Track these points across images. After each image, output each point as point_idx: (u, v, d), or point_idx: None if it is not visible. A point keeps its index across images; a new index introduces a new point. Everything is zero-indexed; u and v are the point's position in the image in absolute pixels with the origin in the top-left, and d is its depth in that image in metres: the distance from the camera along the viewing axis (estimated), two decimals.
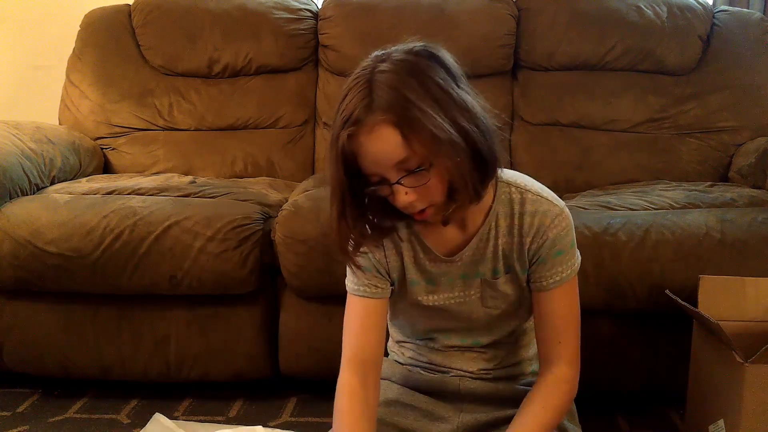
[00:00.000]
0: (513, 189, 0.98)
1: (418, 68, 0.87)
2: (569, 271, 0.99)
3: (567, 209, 1.00)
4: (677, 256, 1.45)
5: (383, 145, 0.85)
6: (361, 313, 1.03)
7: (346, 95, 0.87)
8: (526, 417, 0.96)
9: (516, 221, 0.98)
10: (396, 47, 0.90)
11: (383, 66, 0.87)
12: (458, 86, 0.90)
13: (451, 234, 1.00)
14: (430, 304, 1.04)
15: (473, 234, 0.99)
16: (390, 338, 1.20)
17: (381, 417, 1.02)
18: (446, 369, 1.10)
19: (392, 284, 1.04)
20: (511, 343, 1.10)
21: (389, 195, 0.90)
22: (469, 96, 0.91)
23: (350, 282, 1.04)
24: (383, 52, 0.90)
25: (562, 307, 1.00)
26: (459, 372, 1.09)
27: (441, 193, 0.89)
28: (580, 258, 1.02)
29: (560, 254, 0.98)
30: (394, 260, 1.02)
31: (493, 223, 0.99)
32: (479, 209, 0.98)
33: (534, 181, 1.02)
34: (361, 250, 0.97)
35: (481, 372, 1.09)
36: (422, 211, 0.91)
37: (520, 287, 1.03)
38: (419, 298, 1.04)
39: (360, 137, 0.85)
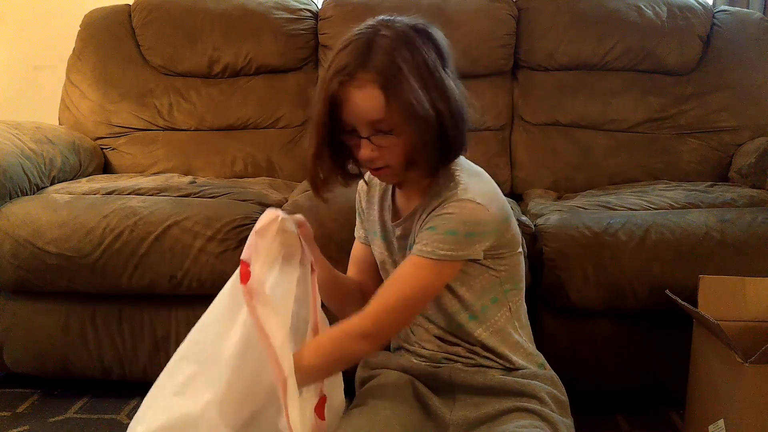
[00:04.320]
0: (457, 177, 1.02)
1: (414, 43, 0.95)
2: (427, 249, 0.98)
3: (474, 206, 0.98)
4: (677, 256, 1.45)
5: (367, 101, 0.94)
6: (354, 253, 1.24)
7: (347, 46, 0.96)
8: (319, 338, 1.04)
9: (433, 202, 1.02)
10: (401, 17, 0.99)
11: (385, 31, 0.96)
12: (444, 70, 0.98)
13: (403, 201, 1.10)
14: (383, 259, 1.15)
15: (416, 205, 1.07)
16: None
17: (379, 410, 1.03)
18: (429, 351, 1.12)
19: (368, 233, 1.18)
20: (470, 332, 1.09)
21: (355, 146, 0.98)
22: (452, 82, 0.98)
23: (356, 227, 1.23)
24: (388, 18, 0.99)
25: (402, 273, 1.02)
26: (443, 354, 1.11)
27: (400, 159, 0.98)
28: (451, 255, 0.98)
29: (430, 230, 1.00)
30: (369, 211, 1.16)
31: (426, 202, 1.04)
32: (425, 186, 1.04)
33: (481, 180, 1.05)
34: (330, 186, 1.06)
35: (462, 358, 1.10)
36: (379, 168, 1.00)
37: None
38: (375, 248, 1.17)
39: (349, 88, 0.94)
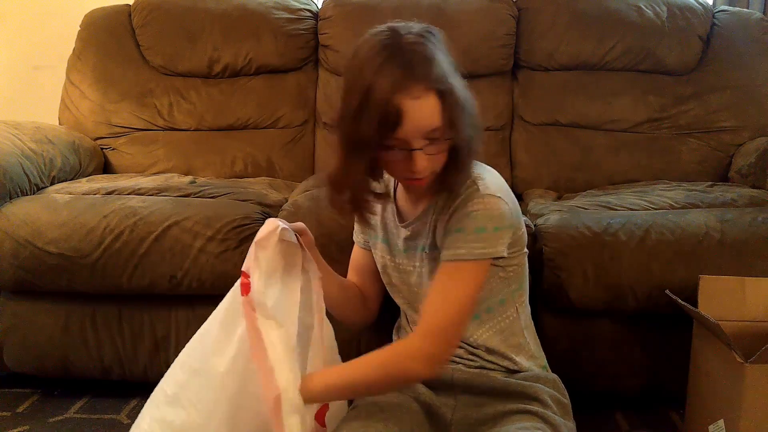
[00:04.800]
0: (473, 173, 1.02)
1: (438, 45, 0.95)
2: (462, 251, 0.98)
3: (496, 200, 0.99)
4: (677, 256, 1.45)
5: (427, 111, 0.91)
6: (354, 258, 1.24)
7: (385, 61, 0.90)
8: (352, 362, 1.01)
9: (450, 201, 1.02)
10: (406, 23, 0.97)
11: (410, 38, 0.93)
12: None
13: (408, 203, 1.09)
14: (385, 263, 1.15)
15: (423, 207, 1.06)
16: (395, 327, 1.24)
17: (377, 412, 1.03)
18: None
19: (369, 238, 1.17)
20: (472, 333, 1.10)
21: (395, 161, 0.95)
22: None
23: (354, 232, 1.23)
24: (400, 24, 0.96)
25: (446, 285, 0.99)
26: None
27: (443, 163, 0.97)
28: (486, 252, 0.99)
29: (459, 232, 0.99)
30: (371, 217, 1.13)
31: (437, 200, 1.04)
32: (435, 185, 1.03)
33: (494, 175, 1.05)
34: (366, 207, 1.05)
35: (464, 360, 1.10)
36: (422, 177, 0.97)
37: None
38: (377, 252, 1.16)
39: (406, 101, 0.90)
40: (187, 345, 1.03)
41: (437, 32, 0.99)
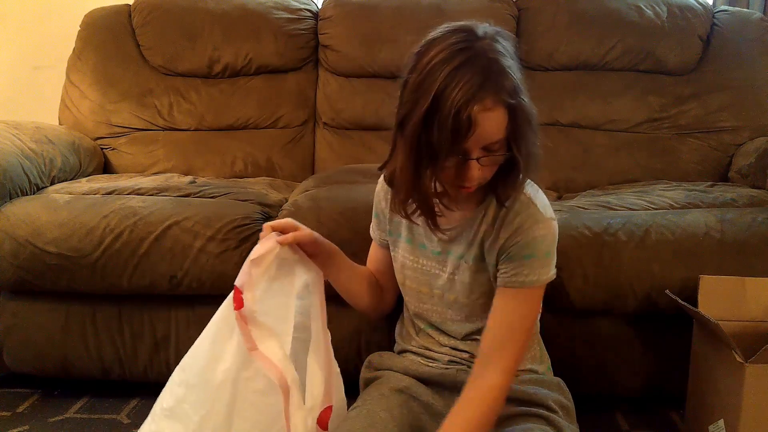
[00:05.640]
0: (525, 190, 1.01)
1: (513, 52, 0.93)
2: (534, 278, 0.99)
3: (555, 224, 1.01)
4: (677, 256, 1.45)
5: (495, 123, 0.89)
6: (371, 252, 1.22)
7: (460, 66, 0.88)
8: (449, 427, 0.97)
9: (501, 214, 1.01)
10: (475, 23, 0.96)
11: (487, 42, 0.91)
12: None
13: (443, 208, 1.04)
14: (404, 262, 1.12)
15: (463, 214, 1.04)
16: (397, 327, 1.24)
17: (377, 412, 1.03)
18: (437, 353, 1.12)
19: (389, 235, 1.15)
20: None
21: (452, 167, 0.92)
22: None
23: (371, 227, 1.20)
24: (472, 24, 0.95)
25: (515, 311, 1.00)
26: (450, 354, 1.11)
27: (492, 174, 0.95)
28: (552, 275, 1.02)
29: (529, 258, 0.99)
30: (393, 214, 1.10)
31: (484, 211, 1.02)
32: (478, 194, 1.01)
33: (542, 194, 1.04)
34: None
35: (471, 363, 1.09)
36: (470, 186, 0.95)
37: (489, 280, 1.05)
38: (397, 251, 1.13)
39: (478, 112, 0.87)
40: (183, 358, 1.03)
41: (508, 36, 0.96)
